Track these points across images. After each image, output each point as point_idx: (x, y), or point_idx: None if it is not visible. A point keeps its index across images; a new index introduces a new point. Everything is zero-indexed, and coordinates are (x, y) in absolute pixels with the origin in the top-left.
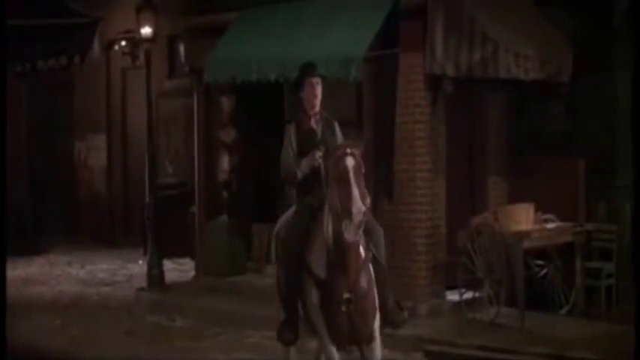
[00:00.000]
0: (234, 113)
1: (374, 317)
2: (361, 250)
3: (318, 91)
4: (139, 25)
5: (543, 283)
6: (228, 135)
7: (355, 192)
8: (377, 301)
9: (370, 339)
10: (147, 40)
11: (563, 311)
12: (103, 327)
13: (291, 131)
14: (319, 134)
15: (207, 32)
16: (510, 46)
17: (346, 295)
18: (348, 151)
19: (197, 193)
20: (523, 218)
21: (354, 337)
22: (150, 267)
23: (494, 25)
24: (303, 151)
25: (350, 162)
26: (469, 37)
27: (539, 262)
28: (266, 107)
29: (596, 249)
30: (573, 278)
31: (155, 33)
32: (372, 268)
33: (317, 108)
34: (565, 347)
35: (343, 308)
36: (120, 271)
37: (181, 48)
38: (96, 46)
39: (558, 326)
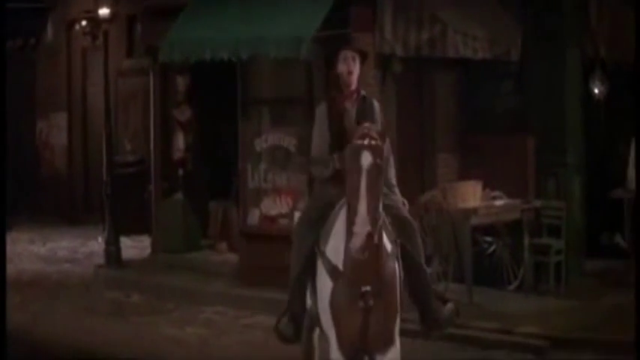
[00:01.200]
0: (189, 92)
1: (394, 320)
2: (386, 243)
3: (355, 67)
4: (97, 6)
5: (492, 259)
6: (183, 114)
7: (362, 205)
8: (398, 302)
9: (388, 344)
10: (104, 20)
11: (512, 287)
12: (63, 303)
13: (321, 115)
14: (353, 118)
15: (164, 13)
16: (459, 27)
17: (364, 289)
18: (366, 142)
19: (153, 171)
20: (471, 195)
21: (367, 342)
22: (107, 244)
23: (444, 7)
24: (335, 137)
25: (366, 160)
26: (418, 17)
27: (488, 238)
28: (221, 86)
29: (545, 226)
30: (522, 254)
31: (113, 14)
32: (399, 265)
33: (353, 86)
34: (513, 322)
35: (361, 304)
36: (80, 249)
37: (139, 28)
38: (49, 30)
39: (507, 301)
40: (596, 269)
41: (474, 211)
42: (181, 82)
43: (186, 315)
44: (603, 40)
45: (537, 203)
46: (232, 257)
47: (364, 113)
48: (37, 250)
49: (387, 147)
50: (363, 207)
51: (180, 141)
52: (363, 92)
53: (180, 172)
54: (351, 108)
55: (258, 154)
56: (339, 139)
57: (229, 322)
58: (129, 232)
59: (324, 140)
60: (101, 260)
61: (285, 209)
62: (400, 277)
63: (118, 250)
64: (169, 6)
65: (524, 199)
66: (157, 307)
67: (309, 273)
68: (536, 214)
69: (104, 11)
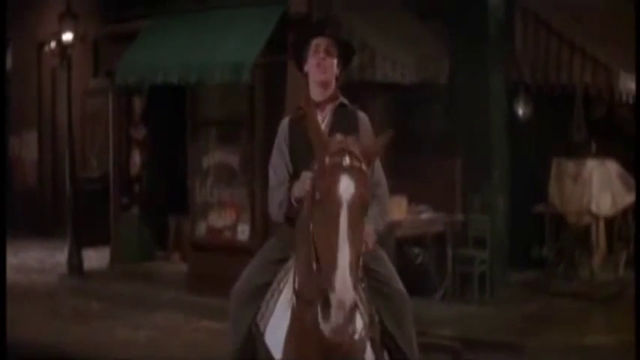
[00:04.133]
0: (145, 112)
1: None
2: (357, 327)
3: (331, 63)
4: (61, 32)
5: (420, 269)
6: (139, 132)
7: (344, 257)
8: None
9: None
10: (68, 45)
11: (438, 296)
12: (31, 309)
13: (281, 133)
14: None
15: (122, 38)
16: (388, 53)
17: None
18: (346, 162)
19: (112, 187)
20: (396, 209)
21: None
22: (70, 255)
23: (374, 34)
24: (299, 163)
25: (346, 188)
26: None
27: (417, 249)
28: (175, 107)
29: (471, 238)
30: (446, 265)
31: (81, 36)
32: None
33: (329, 90)
34: (430, 325)
35: None
36: (47, 259)
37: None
38: (9, 59)
39: (430, 308)
40: (521, 280)
41: (398, 223)
42: (137, 103)
43: (139, 320)
44: (527, 65)
45: (459, 216)
46: (184, 267)
47: (341, 126)
48: (9, 261)
49: (377, 170)
50: (344, 259)
51: (136, 158)
52: (343, 99)
53: (137, 187)
54: (321, 121)
55: (205, 171)
56: (304, 165)
57: (178, 326)
58: (93, 243)
59: (281, 169)
60: (65, 270)
61: (229, 222)
62: None
63: (80, 260)
64: (127, 31)
65: (452, 213)
66: (113, 312)
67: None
68: (462, 227)
69: (67, 36)
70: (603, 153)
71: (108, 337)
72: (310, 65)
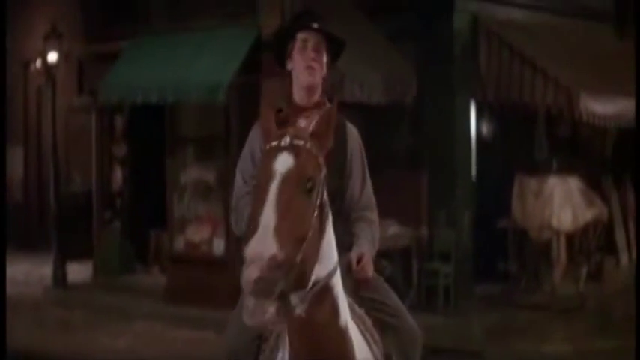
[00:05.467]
0: (126, 130)
1: None
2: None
3: (320, 60)
4: (46, 51)
5: (387, 281)
6: (121, 149)
7: (269, 217)
8: None
9: None
10: (52, 66)
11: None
12: (17, 319)
13: (256, 135)
14: None
15: (105, 57)
16: (356, 74)
17: None
18: (285, 142)
19: (95, 202)
20: None
21: None
22: (55, 268)
23: (343, 55)
24: None
25: (283, 163)
26: None
27: (385, 262)
28: (155, 125)
29: (436, 252)
30: (412, 277)
31: (61, 57)
32: None
33: (316, 94)
34: None
35: None
36: (33, 272)
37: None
38: None
39: None
40: (486, 292)
41: None
42: (119, 121)
43: (119, 329)
44: (491, 85)
45: (426, 231)
46: (163, 279)
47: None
48: None
49: (366, 192)
50: (267, 222)
51: (118, 175)
52: (331, 108)
53: (119, 202)
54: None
55: (183, 187)
56: None
57: (156, 335)
58: (77, 256)
59: (251, 176)
60: (50, 282)
61: (205, 236)
62: None
63: (64, 273)
64: (110, 51)
65: (419, 227)
66: (95, 322)
67: None
68: (428, 241)
69: (52, 56)
70: (566, 170)
71: (90, 346)
72: (296, 65)
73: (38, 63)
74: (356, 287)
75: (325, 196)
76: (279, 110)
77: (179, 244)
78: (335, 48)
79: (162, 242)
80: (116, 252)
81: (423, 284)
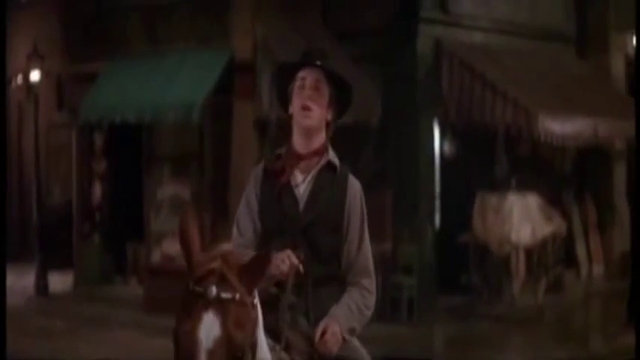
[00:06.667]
0: (105, 147)
1: None
2: None
3: (318, 102)
4: (28, 71)
5: None
6: (100, 165)
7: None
8: None
9: None
10: (35, 84)
11: None
12: None
13: (253, 182)
14: (302, 204)
15: (84, 77)
16: None
17: None
18: (212, 292)
19: (75, 215)
20: None
21: None
22: (37, 278)
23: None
24: (270, 223)
25: (207, 325)
26: None
27: None
28: (133, 142)
29: (400, 266)
30: (377, 290)
31: (42, 76)
32: None
33: (316, 141)
34: (363, 343)
35: None
36: (17, 282)
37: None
38: None
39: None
40: (449, 304)
41: None
42: (98, 138)
43: (99, 337)
44: (453, 106)
45: (390, 246)
46: (140, 290)
47: (325, 195)
48: None
49: (364, 253)
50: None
51: (97, 189)
52: (332, 157)
53: (98, 216)
54: (301, 183)
55: (159, 202)
56: (276, 225)
57: (135, 344)
58: (58, 267)
59: (246, 227)
60: (32, 292)
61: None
62: None
63: (46, 283)
64: (89, 71)
65: (380, 242)
66: (75, 330)
67: None
68: (392, 255)
69: (35, 76)
70: (526, 187)
71: (71, 354)
72: (294, 106)
73: (19, 79)
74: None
75: (257, 333)
76: (278, 156)
77: (156, 256)
78: (341, 91)
79: (139, 254)
80: (96, 263)
81: (388, 296)
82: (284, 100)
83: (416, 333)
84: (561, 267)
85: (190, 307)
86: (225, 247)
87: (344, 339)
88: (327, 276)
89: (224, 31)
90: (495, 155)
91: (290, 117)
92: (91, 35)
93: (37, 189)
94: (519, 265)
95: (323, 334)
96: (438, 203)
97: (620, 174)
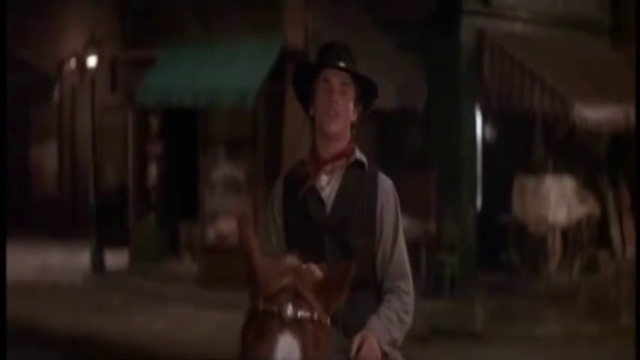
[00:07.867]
0: (160, 130)
1: None
2: None
3: (344, 106)
4: (85, 57)
5: None
6: (156, 148)
7: None
8: None
9: None
10: (92, 70)
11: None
12: (58, 303)
13: (275, 196)
14: (329, 205)
15: (139, 63)
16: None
17: None
18: (288, 311)
19: (130, 196)
20: None
21: None
22: (93, 255)
23: (361, 66)
24: (297, 236)
25: (284, 349)
26: None
27: None
28: (188, 125)
29: (443, 244)
30: (421, 268)
31: (98, 62)
32: None
33: (341, 142)
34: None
35: None
36: (69, 260)
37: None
38: (56, 93)
39: None
40: (490, 281)
41: None
42: (154, 121)
43: (155, 311)
44: (494, 93)
45: (433, 226)
46: (194, 266)
47: (353, 195)
48: (32, 262)
49: (399, 255)
50: None
51: (153, 171)
52: (359, 156)
53: (153, 196)
54: (326, 185)
55: (214, 183)
56: (303, 237)
57: (189, 317)
58: (113, 245)
59: (272, 241)
60: (88, 269)
61: (235, 229)
62: None
63: (102, 259)
64: (143, 57)
65: (425, 222)
66: (132, 305)
67: None
68: (436, 234)
69: (91, 60)
70: (562, 170)
71: (127, 326)
72: (318, 108)
73: (72, 63)
74: None
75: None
76: (302, 162)
77: (211, 235)
78: (366, 91)
79: (192, 233)
80: (151, 241)
81: (432, 273)
82: (304, 99)
83: (458, 308)
84: (595, 247)
85: (262, 328)
86: (291, 260)
87: (385, 353)
88: (361, 281)
89: (276, 21)
90: (533, 140)
91: (311, 118)
92: (144, 23)
93: (94, 170)
94: (555, 245)
95: (359, 348)
96: (479, 185)
97: None
